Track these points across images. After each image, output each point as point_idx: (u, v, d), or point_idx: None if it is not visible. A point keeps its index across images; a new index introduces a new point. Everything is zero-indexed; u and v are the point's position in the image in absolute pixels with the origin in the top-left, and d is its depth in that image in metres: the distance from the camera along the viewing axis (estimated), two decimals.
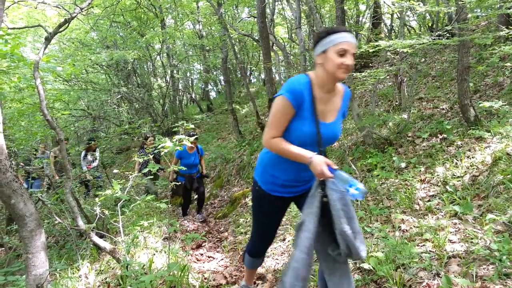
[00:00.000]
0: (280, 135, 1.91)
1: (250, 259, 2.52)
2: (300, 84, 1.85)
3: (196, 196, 6.24)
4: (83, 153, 7.58)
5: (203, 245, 4.63)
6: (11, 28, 4.74)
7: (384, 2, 8.82)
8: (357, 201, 3.91)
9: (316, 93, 1.88)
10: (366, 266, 2.57)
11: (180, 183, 5.76)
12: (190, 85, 20.94)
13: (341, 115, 2.01)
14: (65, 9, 5.52)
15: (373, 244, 2.89)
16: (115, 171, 6.36)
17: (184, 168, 4.34)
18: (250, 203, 5.33)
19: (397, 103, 6.61)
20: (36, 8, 7.86)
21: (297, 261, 1.74)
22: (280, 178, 2.07)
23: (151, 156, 5.86)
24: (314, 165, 1.78)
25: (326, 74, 1.83)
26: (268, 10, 9.82)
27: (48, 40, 3.72)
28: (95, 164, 7.55)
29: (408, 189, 3.76)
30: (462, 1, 3.92)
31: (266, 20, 8.34)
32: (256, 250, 2.46)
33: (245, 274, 2.72)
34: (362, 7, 11.30)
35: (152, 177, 5.58)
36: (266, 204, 2.18)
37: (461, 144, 4.18)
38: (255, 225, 2.34)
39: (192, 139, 4.48)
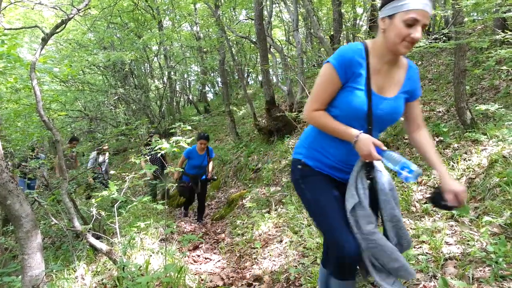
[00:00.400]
0: (323, 108, 1.68)
1: (339, 283, 1.70)
2: (352, 51, 1.59)
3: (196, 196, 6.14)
4: (93, 154, 7.56)
5: (200, 246, 4.63)
6: (7, 29, 4.73)
7: None
8: None
9: (373, 62, 1.62)
10: None
11: (185, 183, 5.68)
12: (188, 86, 20.96)
13: (405, 92, 1.70)
14: (62, 10, 5.52)
15: None
16: (112, 172, 6.34)
17: (181, 169, 4.30)
18: (248, 205, 5.32)
19: None
20: (33, 9, 7.83)
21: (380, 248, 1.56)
22: (329, 157, 1.76)
23: (147, 158, 5.84)
24: (360, 145, 1.56)
25: (386, 43, 1.57)
26: (265, 13, 9.85)
27: (45, 41, 3.72)
28: (104, 167, 7.54)
29: (405, 191, 3.77)
30: (459, 5, 3.95)
31: (264, 22, 8.35)
32: (342, 258, 1.58)
33: None
34: (359, 10, 11.36)
35: (148, 178, 5.54)
36: (316, 180, 1.78)
37: (457, 146, 4.20)
38: (319, 219, 1.73)
39: (189, 140, 4.35)
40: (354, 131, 1.59)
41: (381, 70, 1.63)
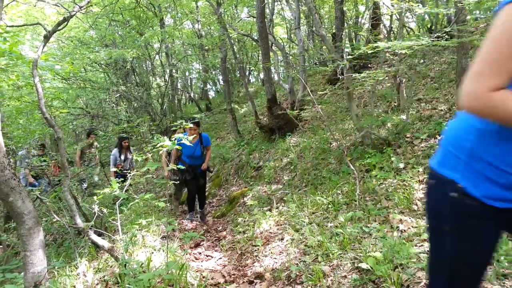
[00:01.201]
0: (507, 84, 0.94)
1: None
2: None
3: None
4: (114, 152, 7.02)
5: (201, 244, 4.63)
6: (9, 26, 4.73)
7: (383, 3, 8.86)
8: (355, 201, 3.91)
9: None
10: (364, 266, 2.58)
11: (179, 178, 5.52)
12: (189, 84, 20.95)
13: None
14: (64, 8, 5.52)
15: (372, 244, 2.89)
16: (113, 169, 6.33)
17: (182, 166, 4.26)
18: (249, 203, 5.31)
19: (395, 104, 6.62)
20: (35, 6, 7.84)
21: None
22: (509, 170, 1.05)
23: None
24: None
25: None
26: (267, 10, 9.83)
27: (47, 38, 3.72)
28: (127, 165, 6.92)
29: (407, 189, 3.77)
30: (461, 3, 3.93)
31: (266, 20, 8.34)
32: None
33: None
34: (362, 8, 11.33)
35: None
36: (474, 229, 1.13)
37: None
38: (449, 282, 1.20)
39: (191, 138, 4.09)
40: None
41: None
